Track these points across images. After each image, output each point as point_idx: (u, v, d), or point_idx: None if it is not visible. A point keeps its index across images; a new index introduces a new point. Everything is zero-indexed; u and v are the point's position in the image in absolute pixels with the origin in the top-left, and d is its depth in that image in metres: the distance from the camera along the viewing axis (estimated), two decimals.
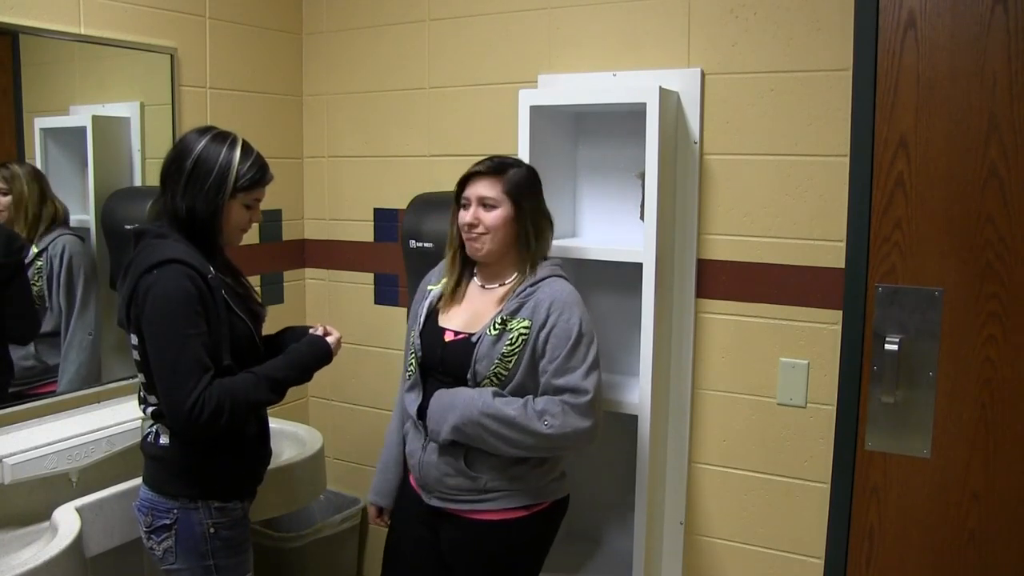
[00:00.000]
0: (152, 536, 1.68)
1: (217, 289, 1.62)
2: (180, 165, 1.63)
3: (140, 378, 1.67)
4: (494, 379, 1.68)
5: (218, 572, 1.68)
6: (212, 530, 1.67)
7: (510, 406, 1.63)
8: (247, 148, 1.68)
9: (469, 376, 1.70)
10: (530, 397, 1.66)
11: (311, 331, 1.83)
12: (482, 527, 1.72)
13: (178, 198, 1.63)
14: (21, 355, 2.05)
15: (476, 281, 1.82)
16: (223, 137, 1.66)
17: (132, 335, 1.63)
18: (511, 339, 1.66)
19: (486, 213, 1.71)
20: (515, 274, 1.75)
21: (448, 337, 1.76)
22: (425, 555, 1.81)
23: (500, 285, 1.76)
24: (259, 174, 1.68)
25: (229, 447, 1.68)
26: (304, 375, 1.74)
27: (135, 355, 1.65)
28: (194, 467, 1.66)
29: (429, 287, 1.87)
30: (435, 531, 1.79)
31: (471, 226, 1.72)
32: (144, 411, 1.71)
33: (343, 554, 2.74)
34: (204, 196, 1.63)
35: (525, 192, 1.72)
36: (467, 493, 1.71)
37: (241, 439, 1.70)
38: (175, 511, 1.65)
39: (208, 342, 1.57)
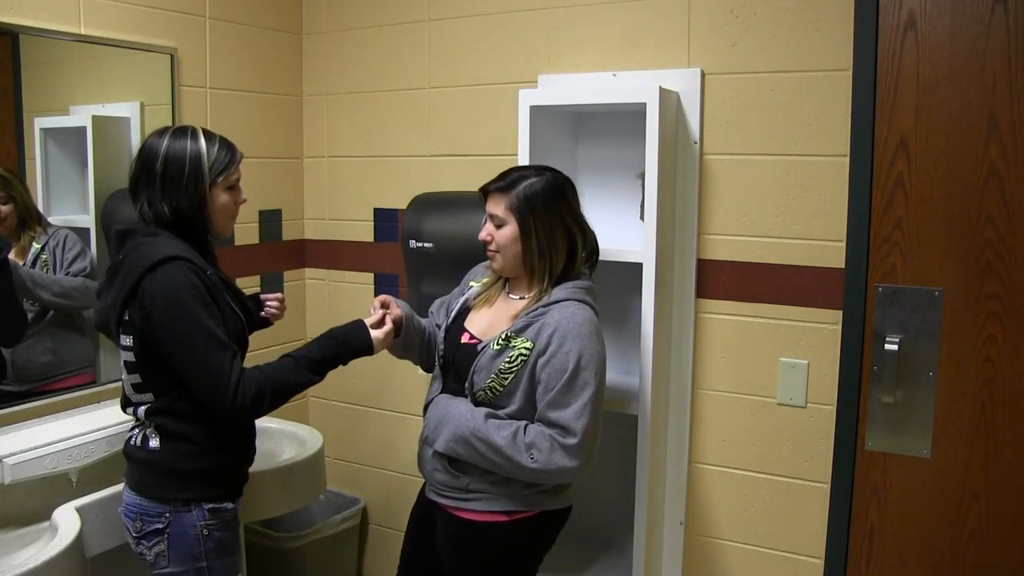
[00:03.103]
0: (142, 541, 1.66)
1: (217, 285, 1.62)
2: (150, 171, 1.62)
3: (131, 379, 1.65)
4: (488, 392, 1.66)
5: (211, 574, 1.67)
6: (205, 532, 1.65)
7: (500, 432, 1.61)
8: (209, 134, 1.67)
9: (467, 384, 1.70)
10: (522, 425, 1.63)
11: (371, 313, 1.77)
12: (465, 525, 1.72)
13: (157, 202, 1.62)
14: (39, 351, 2.06)
15: (507, 288, 1.80)
16: (183, 131, 1.65)
17: (125, 336, 1.62)
18: (511, 356, 1.64)
19: (497, 231, 1.70)
20: (534, 291, 1.72)
21: (464, 339, 1.76)
22: (429, 543, 1.83)
23: (520, 299, 1.75)
24: (230, 154, 1.68)
25: (221, 447, 1.68)
26: (337, 361, 1.71)
27: (127, 356, 1.64)
28: (186, 470, 1.64)
29: (472, 282, 1.87)
30: (434, 522, 1.81)
31: (486, 243, 1.73)
32: (134, 412, 1.68)
33: (343, 554, 2.74)
34: (185, 192, 1.62)
35: (537, 207, 1.66)
36: (453, 491, 1.72)
37: (233, 438, 1.70)
38: (167, 515, 1.64)
39: (223, 328, 1.59)
